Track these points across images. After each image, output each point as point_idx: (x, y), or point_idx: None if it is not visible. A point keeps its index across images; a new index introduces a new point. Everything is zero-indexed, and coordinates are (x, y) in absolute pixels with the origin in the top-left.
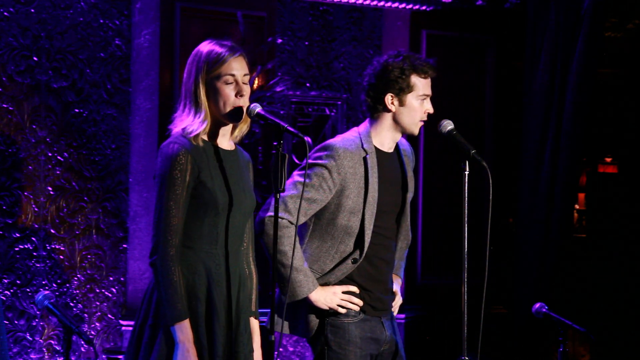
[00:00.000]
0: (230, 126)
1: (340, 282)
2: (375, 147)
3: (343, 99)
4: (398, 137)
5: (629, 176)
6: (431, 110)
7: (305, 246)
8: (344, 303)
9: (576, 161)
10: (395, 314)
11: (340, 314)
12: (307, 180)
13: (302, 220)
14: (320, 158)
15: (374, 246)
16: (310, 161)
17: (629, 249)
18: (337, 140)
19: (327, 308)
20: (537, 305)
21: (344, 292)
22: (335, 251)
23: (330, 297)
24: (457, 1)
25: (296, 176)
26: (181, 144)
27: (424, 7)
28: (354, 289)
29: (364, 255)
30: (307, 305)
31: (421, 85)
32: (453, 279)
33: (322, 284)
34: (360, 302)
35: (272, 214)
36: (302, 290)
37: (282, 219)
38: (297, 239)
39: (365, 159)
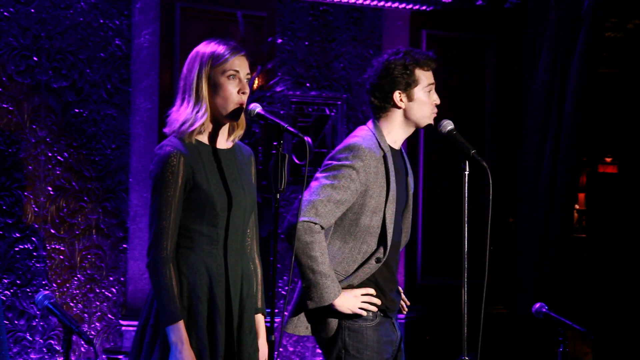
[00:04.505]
0: (227, 126)
1: (362, 284)
2: (389, 145)
3: (343, 99)
4: (409, 132)
5: (629, 176)
6: (438, 101)
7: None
8: (365, 305)
9: (576, 161)
10: (405, 313)
11: (358, 317)
12: (333, 182)
13: (332, 222)
14: (346, 159)
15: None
16: (334, 162)
17: (629, 249)
18: (359, 140)
19: (350, 312)
20: (537, 305)
21: (362, 295)
22: (357, 252)
23: (352, 301)
24: (457, 1)
25: (322, 179)
26: (173, 145)
27: (424, 7)
28: (372, 291)
29: (387, 253)
30: (327, 308)
31: (425, 77)
32: (453, 279)
33: (345, 286)
34: (379, 302)
35: (304, 219)
36: (329, 296)
37: (315, 224)
38: (326, 243)
39: (384, 157)
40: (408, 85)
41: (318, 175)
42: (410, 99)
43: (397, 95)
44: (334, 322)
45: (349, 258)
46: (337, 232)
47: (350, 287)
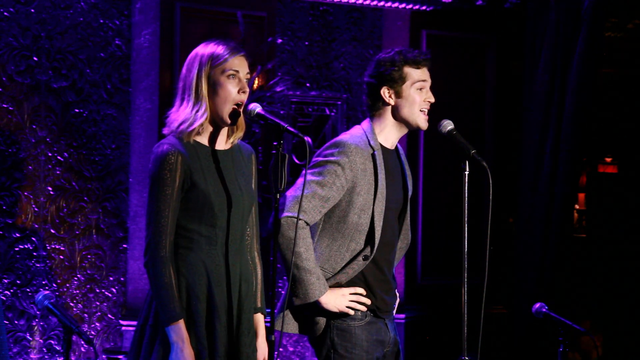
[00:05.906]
0: (226, 129)
1: (350, 282)
2: (380, 144)
3: (343, 99)
4: (403, 133)
5: (629, 176)
6: (432, 99)
7: (315, 245)
8: (352, 304)
9: (576, 161)
10: (394, 314)
11: (346, 316)
12: (318, 178)
13: (317, 219)
14: (332, 155)
15: (379, 245)
16: (320, 159)
17: (629, 249)
18: (346, 137)
19: (337, 311)
20: (537, 305)
21: (351, 294)
22: (345, 249)
23: (339, 299)
24: (457, 1)
25: (308, 175)
26: (171, 143)
27: (424, 7)
28: (361, 290)
29: (374, 252)
30: (315, 306)
31: (415, 74)
32: (453, 279)
33: (333, 283)
34: (369, 302)
35: (287, 214)
36: (314, 293)
37: (299, 219)
38: (312, 240)
39: (373, 155)
40: (395, 82)
41: (304, 172)
42: (398, 95)
43: (385, 92)
44: (322, 321)
45: (337, 255)
46: (325, 230)
47: (338, 284)
